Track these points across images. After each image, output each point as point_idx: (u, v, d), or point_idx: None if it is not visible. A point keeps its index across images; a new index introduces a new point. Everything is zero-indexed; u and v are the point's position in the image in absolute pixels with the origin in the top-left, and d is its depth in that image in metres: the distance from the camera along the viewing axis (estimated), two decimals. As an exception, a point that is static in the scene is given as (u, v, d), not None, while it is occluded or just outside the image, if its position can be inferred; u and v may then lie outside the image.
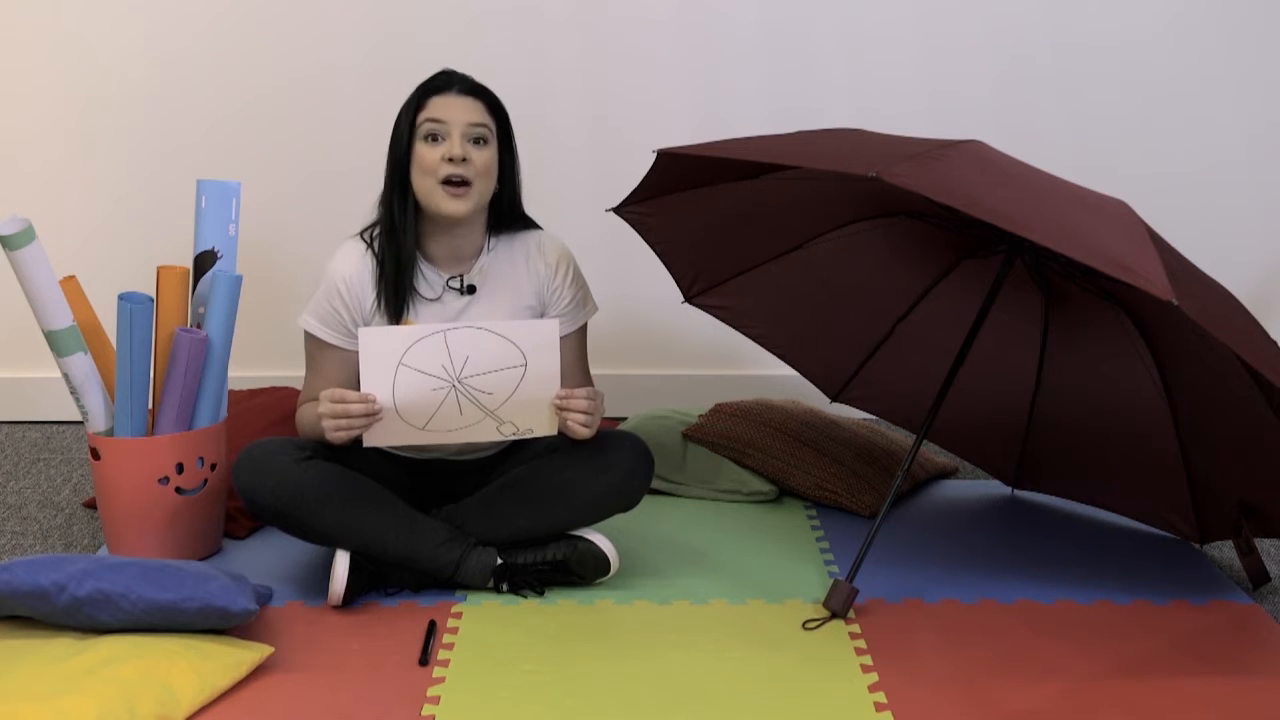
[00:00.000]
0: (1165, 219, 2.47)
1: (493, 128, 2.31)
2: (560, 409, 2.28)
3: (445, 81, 2.31)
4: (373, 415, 2.20)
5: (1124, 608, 2.38)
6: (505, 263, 2.41)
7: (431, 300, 2.36)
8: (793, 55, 3.32)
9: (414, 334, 2.19)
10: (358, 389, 2.38)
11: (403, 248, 2.33)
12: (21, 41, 3.28)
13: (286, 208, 3.33)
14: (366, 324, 2.35)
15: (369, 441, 2.25)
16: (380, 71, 3.28)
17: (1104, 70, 3.33)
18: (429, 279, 2.37)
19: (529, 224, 2.46)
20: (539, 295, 2.42)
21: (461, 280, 2.37)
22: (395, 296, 2.33)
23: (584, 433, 2.30)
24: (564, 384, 2.32)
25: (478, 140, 2.29)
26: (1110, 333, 2.52)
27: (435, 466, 2.47)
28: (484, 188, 2.30)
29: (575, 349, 2.46)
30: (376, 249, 2.35)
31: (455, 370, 2.21)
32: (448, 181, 2.27)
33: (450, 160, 2.26)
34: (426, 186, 2.28)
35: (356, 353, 2.35)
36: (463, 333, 2.20)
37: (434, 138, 2.28)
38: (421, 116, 2.29)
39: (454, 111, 2.28)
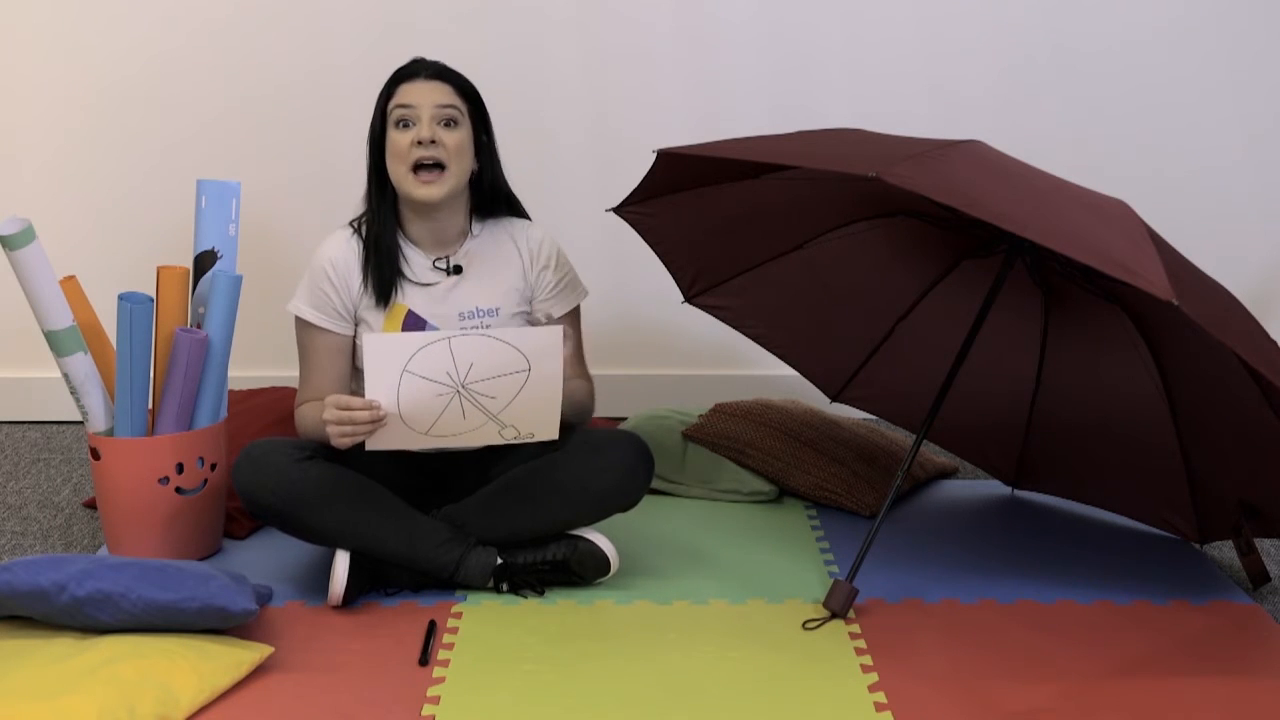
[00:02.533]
0: (1165, 219, 2.47)
1: (463, 109, 2.34)
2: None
3: (414, 69, 2.37)
4: (377, 421, 2.21)
5: (1124, 608, 2.38)
6: (490, 246, 2.44)
7: (418, 283, 2.39)
8: (793, 55, 3.32)
9: (419, 341, 2.19)
10: (352, 379, 2.39)
11: (383, 234, 2.38)
12: (21, 41, 3.28)
13: (287, 207, 3.32)
14: (356, 306, 2.39)
15: (372, 445, 2.25)
16: (380, 70, 3.23)
17: (1104, 71, 3.33)
18: (414, 261, 2.40)
19: (514, 210, 2.49)
20: (525, 277, 2.45)
21: (448, 261, 2.40)
22: (381, 280, 2.37)
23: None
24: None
25: (448, 122, 2.32)
26: (1110, 333, 2.52)
27: (434, 461, 2.47)
28: (458, 169, 2.33)
29: (569, 334, 2.44)
30: (364, 232, 2.40)
31: (459, 376, 2.22)
32: (420, 166, 2.31)
33: (420, 143, 2.29)
34: (399, 173, 2.33)
35: (348, 338, 2.40)
36: (468, 339, 2.20)
37: (404, 123, 2.32)
38: (392, 104, 2.34)
39: (422, 95, 2.32)
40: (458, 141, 2.33)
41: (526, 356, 2.22)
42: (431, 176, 2.31)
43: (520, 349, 2.22)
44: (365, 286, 2.39)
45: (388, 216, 2.39)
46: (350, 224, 2.44)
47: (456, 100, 2.34)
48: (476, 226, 2.45)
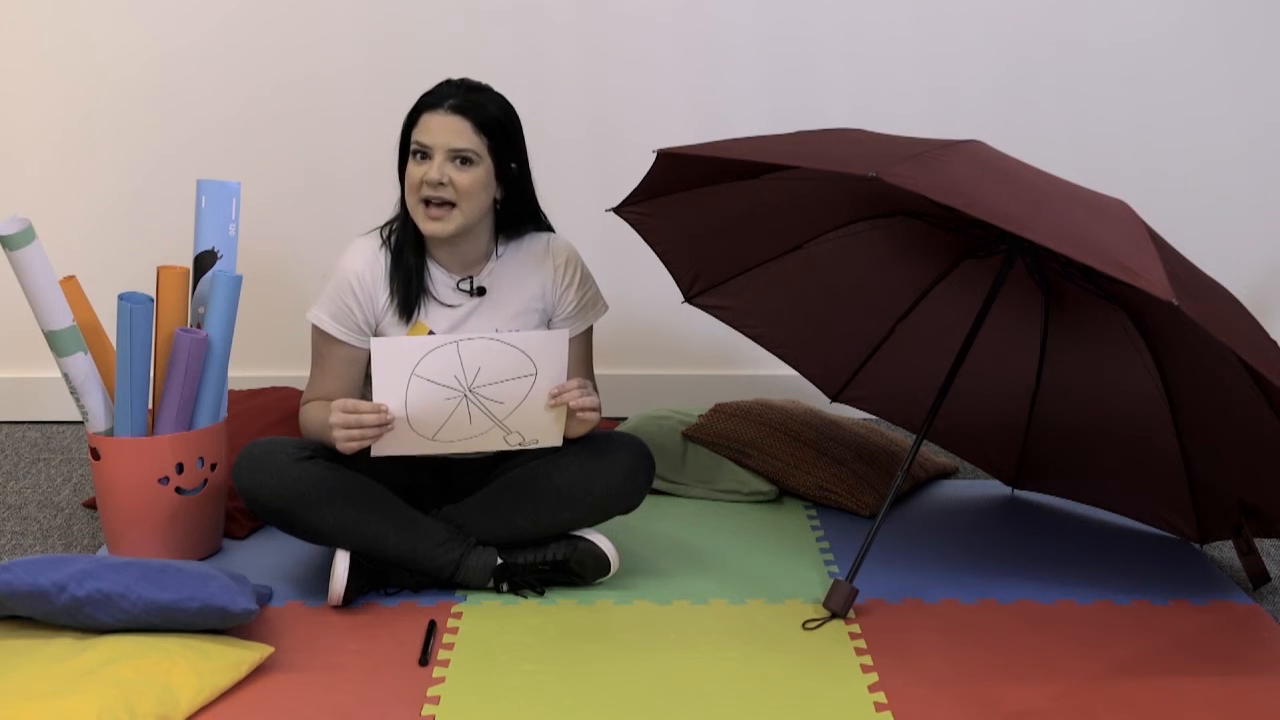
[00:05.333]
0: (1165, 219, 2.47)
1: (481, 148, 2.29)
2: (556, 405, 2.28)
3: (437, 98, 2.31)
4: (385, 425, 2.21)
5: (1124, 608, 2.38)
6: (515, 266, 2.43)
7: (442, 302, 2.38)
8: (793, 55, 3.32)
9: (427, 345, 2.20)
10: (364, 387, 2.38)
11: (407, 251, 2.36)
12: (21, 41, 3.28)
13: (286, 208, 3.32)
14: (379, 321, 2.38)
15: (378, 451, 2.25)
16: (380, 71, 3.28)
17: (1104, 70, 3.33)
18: (439, 281, 2.39)
19: (540, 225, 2.47)
20: (546, 298, 2.44)
21: (471, 282, 2.39)
22: (407, 294, 2.36)
23: (591, 416, 2.31)
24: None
25: (463, 161, 2.29)
26: (1110, 333, 2.52)
27: (435, 464, 2.47)
28: (469, 207, 2.30)
29: (580, 350, 2.47)
30: (393, 245, 2.38)
31: (467, 380, 2.22)
32: (428, 202, 2.29)
33: (427, 183, 2.28)
34: (411, 204, 2.33)
35: (364, 350, 2.37)
36: (475, 343, 2.21)
37: (421, 155, 2.30)
38: (413, 134, 2.32)
39: (438, 134, 2.28)
40: (470, 181, 2.29)
41: (533, 360, 2.23)
42: (440, 213, 2.29)
43: (527, 352, 2.23)
44: (391, 302, 2.37)
45: (409, 235, 2.37)
46: (379, 231, 2.41)
47: (473, 139, 2.28)
48: (501, 247, 2.43)
